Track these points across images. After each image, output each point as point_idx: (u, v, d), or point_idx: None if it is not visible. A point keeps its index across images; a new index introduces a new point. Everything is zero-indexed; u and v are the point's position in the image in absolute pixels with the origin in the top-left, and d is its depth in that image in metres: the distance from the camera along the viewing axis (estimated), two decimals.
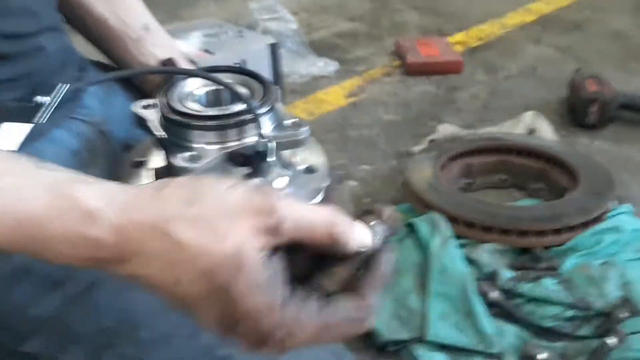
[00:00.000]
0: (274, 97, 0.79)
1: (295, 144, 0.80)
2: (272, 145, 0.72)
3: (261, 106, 0.76)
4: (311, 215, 0.42)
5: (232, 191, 0.41)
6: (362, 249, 0.43)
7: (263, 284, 0.40)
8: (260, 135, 0.71)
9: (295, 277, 0.43)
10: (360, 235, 0.43)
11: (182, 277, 0.40)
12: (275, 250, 0.41)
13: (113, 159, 0.88)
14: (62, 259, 0.43)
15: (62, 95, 0.78)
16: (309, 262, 0.46)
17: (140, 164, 0.89)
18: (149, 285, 0.42)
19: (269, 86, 0.81)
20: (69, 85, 0.72)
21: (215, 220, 0.39)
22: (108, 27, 0.93)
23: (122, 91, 1.00)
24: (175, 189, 0.42)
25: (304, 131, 0.79)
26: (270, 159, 0.72)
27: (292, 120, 0.81)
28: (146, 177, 0.87)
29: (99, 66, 1.02)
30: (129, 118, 0.98)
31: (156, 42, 1.00)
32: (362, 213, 0.46)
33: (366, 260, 0.44)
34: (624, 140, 1.67)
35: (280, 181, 0.71)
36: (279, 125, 0.79)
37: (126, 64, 0.99)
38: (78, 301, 0.59)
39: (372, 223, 0.45)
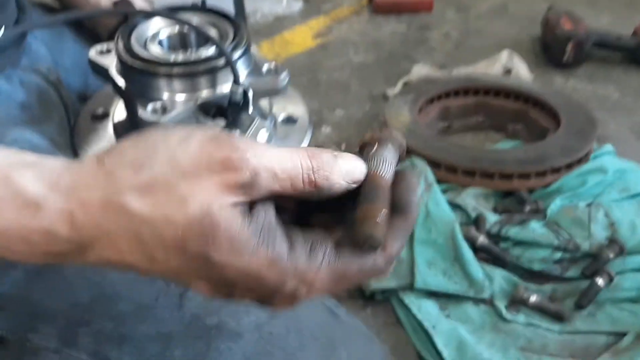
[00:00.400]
0: (247, 40, 0.70)
1: (273, 92, 0.72)
2: (249, 94, 0.64)
3: (234, 50, 0.67)
4: (287, 163, 0.36)
5: (186, 146, 0.35)
6: (354, 185, 0.37)
7: (247, 242, 0.34)
8: (235, 83, 0.63)
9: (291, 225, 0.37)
10: (347, 170, 0.37)
11: (154, 253, 0.35)
12: (253, 203, 0.35)
13: (69, 112, 0.79)
14: (18, 256, 0.37)
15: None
16: (303, 208, 0.40)
17: (100, 117, 0.80)
18: (124, 267, 0.36)
19: (240, 27, 0.72)
20: (4, 28, 0.62)
21: (171, 183, 0.34)
22: None
23: (72, 35, 0.89)
24: (119, 156, 0.36)
25: (283, 78, 0.71)
26: (248, 108, 0.64)
27: (269, 65, 0.73)
28: (108, 130, 0.78)
29: (43, 8, 0.90)
30: (82, 65, 0.88)
31: None
32: (361, 145, 0.40)
33: (390, 199, 0.37)
34: (598, 79, 1.65)
35: (259, 133, 0.64)
36: (254, 71, 0.71)
37: (74, 4, 0.88)
38: (44, 275, 0.51)
39: (371, 152, 0.39)
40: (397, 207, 0.39)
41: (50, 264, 0.50)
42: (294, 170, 0.36)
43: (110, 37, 0.88)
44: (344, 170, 0.37)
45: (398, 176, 0.39)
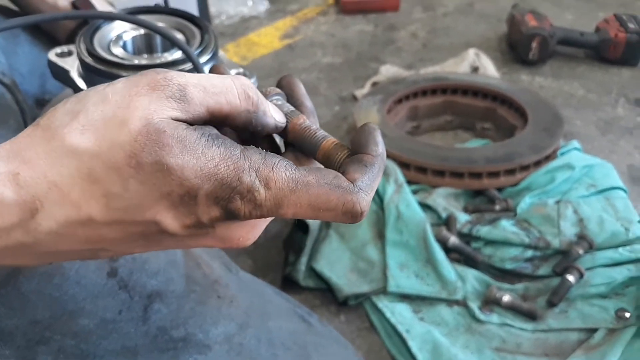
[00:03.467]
0: (215, 43, 0.68)
1: None
2: None
3: (201, 54, 0.65)
4: (215, 80, 0.36)
5: (113, 85, 0.35)
6: (279, 125, 0.39)
7: (198, 141, 0.34)
8: None
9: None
10: (274, 111, 0.39)
11: (110, 187, 0.34)
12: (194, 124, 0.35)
13: (25, 117, 0.76)
14: None
15: None
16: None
17: None
18: (80, 225, 0.34)
19: (207, 30, 0.70)
20: None
21: (107, 115, 0.34)
22: None
23: (28, 38, 0.86)
24: (53, 112, 0.35)
25: (252, 82, 0.70)
26: None
27: (237, 70, 0.71)
28: None
29: None
30: (39, 69, 0.84)
31: None
32: None
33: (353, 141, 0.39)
34: (563, 76, 1.67)
35: None
36: None
37: (31, 4, 0.85)
38: (0, 292, 0.48)
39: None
40: (360, 147, 0.38)
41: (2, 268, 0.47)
42: (224, 84, 0.36)
43: (68, 40, 0.85)
44: (271, 107, 0.39)
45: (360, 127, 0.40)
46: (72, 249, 0.36)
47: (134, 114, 0.33)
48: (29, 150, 0.34)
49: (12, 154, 0.34)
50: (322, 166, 0.39)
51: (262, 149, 0.36)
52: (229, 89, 0.36)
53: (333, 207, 0.35)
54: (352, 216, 0.36)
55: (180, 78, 0.35)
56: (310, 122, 0.41)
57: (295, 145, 0.40)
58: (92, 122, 0.34)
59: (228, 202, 0.34)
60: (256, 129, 0.38)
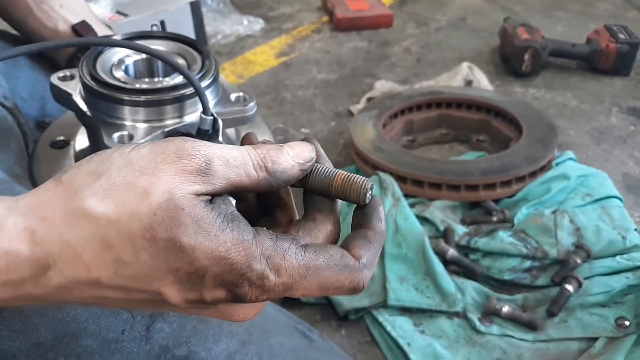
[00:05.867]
0: (215, 68, 0.69)
1: (242, 121, 0.71)
2: (219, 123, 0.63)
3: (202, 79, 0.67)
4: (235, 152, 0.37)
5: (139, 149, 0.36)
6: (308, 163, 0.39)
7: (214, 223, 0.34)
8: (204, 112, 0.62)
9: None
10: (294, 152, 0.39)
11: (122, 255, 0.34)
12: (214, 196, 0.36)
13: (27, 140, 0.76)
14: None
15: None
16: (264, 207, 0.42)
17: (61, 145, 0.78)
18: (88, 286, 0.35)
19: (207, 55, 0.71)
20: None
21: (130, 182, 0.34)
22: None
23: (28, 63, 0.87)
24: (76, 170, 0.36)
25: (251, 107, 0.71)
26: (217, 137, 0.63)
27: (237, 94, 0.72)
28: (69, 158, 0.76)
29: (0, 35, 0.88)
30: (39, 93, 0.86)
31: (64, 3, 0.87)
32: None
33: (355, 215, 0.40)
34: (556, 87, 1.69)
35: None
36: (222, 100, 0.70)
37: (31, 30, 0.86)
38: (3, 316, 0.49)
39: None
40: (364, 222, 0.41)
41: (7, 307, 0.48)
42: (243, 157, 0.37)
43: (68, 64, 0.87)
44: (291, 152, 0.39)
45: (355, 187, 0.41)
46: (77, 302, 0.37)
47: (157, 186, 0.34)
48: (48, 207, 0.35)
49: (31, 210, 0.35)
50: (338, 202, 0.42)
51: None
52: (247, 162, 0.37)
53: (341, 285, 0.37)
54: (356, 291, 0.38)
55: (205, 149, 0.35)
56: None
57: (312, 188, 0.41)
58: (114, 187, 0.34)
59: (235, 286, 0.35)
60: (280, 187, 0.39)
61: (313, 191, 0.41)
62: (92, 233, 0.34)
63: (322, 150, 0.43)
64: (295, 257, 0.36)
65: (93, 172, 0.35)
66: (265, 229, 0.37)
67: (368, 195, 0.40)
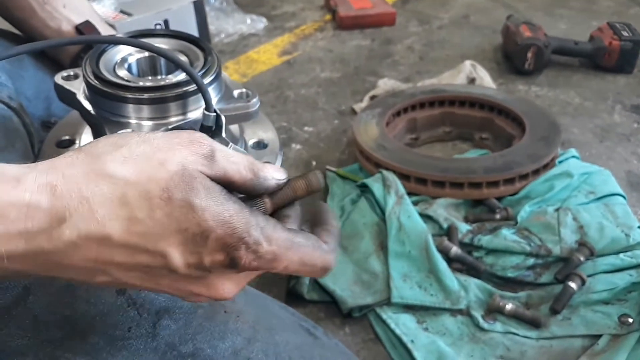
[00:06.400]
0: (218, 65, 0.69)
1: (245, 117, 0.71)
2: (222, 119, 0.63)
3: (205, 75, 0.67)
4: (234, 154, 0.43)
5: (152, 133, 0.41)
6: (281, 181, 0.46)
7: (220, 194, 0.40)
8: (207, 109, 0.63)
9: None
10: (274, 170, 0.46)
11: (135, 211, 0.38)
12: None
13: (32, 140, 0.77)
14: None
15: None
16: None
17: (66, 144, 0.78)
18: (98, 241, 0.38)
19: (210, 52, 0.71)
20: None
21: (149, 154, 0.39)
22: None
23: (33, 63, 0.88)
24: (96, 142, 0.40)
25: (254, 103, 0.71)
26: (220, 134, 0.63)
27: (240, 90, 0.72)
28: None
29: (2, 35, 0.89)
30: (44, 93, 0.86)
31: (67, 3, 0.87)
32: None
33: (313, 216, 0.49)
34: (559, 85, 1.69)
35: None
36: (225, 97, 0.70)
37: (35, 30, 0.87)
38: (12, 314, 0.50)
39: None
40: (322, 221, 0.48)
41: (16, 286, 0.49)
42: (239, 158, 0.43)
43: (72, 64, 0.87)
44: (271, 169, 0.46)
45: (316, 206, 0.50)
46: (79, 265, 0.39)
47: (173, 158, 0.39)
48: (69, 168, 0.38)
49: (51, 168, 0.38)
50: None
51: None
52: (241, 162, 0.43)
53: (315, 263, 0.44)
54: (325, 271, 0.45)
55: (211, 141, 0.42)
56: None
57: (280, 199, 0.48)
58: (134, 156, 0.39)
59: (234, 249, 0.40)
60: (260, 192, 0.45)
61: (282, 202, 0.48)
62: (110, 191, 0.37)
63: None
64: (282, 232, 0.42)
65: (114, 143, 0.40)
66: (256, 209, 0.44)
67: (320, 178, 0.47)
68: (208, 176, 0.40)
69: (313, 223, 0.48)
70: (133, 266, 0.39)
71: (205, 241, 0.39)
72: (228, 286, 0.43)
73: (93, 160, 0.38)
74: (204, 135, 0.42)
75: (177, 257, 0.39)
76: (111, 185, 0.38)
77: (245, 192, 0.45)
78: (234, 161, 0.42)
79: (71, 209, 0.37)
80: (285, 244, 0.42)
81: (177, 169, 0.39)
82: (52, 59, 0.91)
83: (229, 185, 0.43)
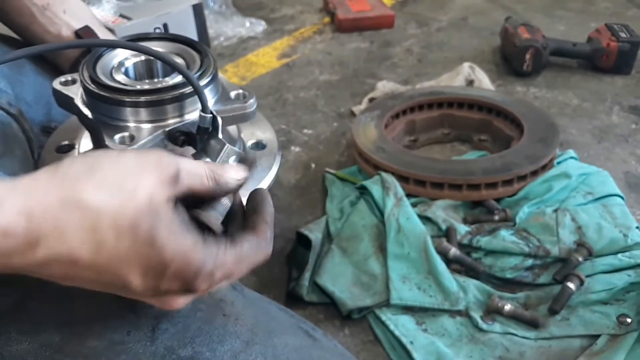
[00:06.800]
0: (214, 66, 0.70)
1: (242, 118, 0.72)
2: (218, 120, 0.63)
3: (201, 77, 0.67)
4: (196, 166, 0.48)
5: (124, 155, 0.44)
6: (241, 182, 0.51)
7: (179, 228, 0.43)
8: (203, 111, 0.63)
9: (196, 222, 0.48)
10: (235, 172, 0.51)
11: (104, 239, 0.41)
12: (176, 200, 0.45)
13: (32, 145, 0.77)
14: None
15: None
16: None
17: (65, 149, 0.78)
18: (67, 263, 0.41)
19: (206, 54, 0.72)
20: None
21: (120, 180, 0.41)
22: None
23: (33, 68, 0.88)
24: (70, 163, 0.42)
25: (251, 104, 0.71)
26: (217, 135, 0.64)
27: (237, 91, 0.73)
28: None
29: (1, 40, 0.89)
30: (44, 98, 0.86)
31: (68, 9, 0.88)
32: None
33: (250, 203, 0.53)
34: (557, 86, 1.70)
35: (230, 160, 0.63)
36: (222, 98, 0.71)
37: (35, 36, 0.87)
38: (11, 318, 0.50)
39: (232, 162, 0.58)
40: (259, 208, 0.52)
41: (15, 292, 0.49)
42: (200, 170, 0.48)
43: (72, 69, 0.87)
44: (232, 171, 0.51)
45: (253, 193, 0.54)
46: (48, 275, 0.43)
47: (142, 189, 0.42)
48: (46, 192, 0.40)
49: (30, 192, 0.40)
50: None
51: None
52: (204, 177, 0.48)
53: (259, 262, 0.50)
54: (266, 260, 0.50)
55: (176, 160, 0.45)
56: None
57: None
58: (106, 182, 0.41)
59: (190, 280, 0.44)
60: (224, 195, 0.51)
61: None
62: (83, 221, 0.40)
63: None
64: (231, 253, 0.46)
65: (88, 166, 0.42)
66: (211, 237, 0.46)
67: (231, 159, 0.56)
68: (175, 195, 0.44)
69: (249, 210, 0.52)
70: (97, 281, 0.44)
71: (164, 272, 0.43)
72: (180, 301, 0.47)
73: (68, 184, 0.41)
74: (170, 155, 0.45)
75: (137, 282, 0.43)
76: (85, 215, 0.40)
77: (211, 198, 0.50)
78: (196, 174, 0.47)
79: (45, 234, 0.40)
80: (234, 264, 0.47)
81: (145, 201, 0.41)
82: (51, 64, 0.91)
83: (194, 196, 0.47)
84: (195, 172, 0.47)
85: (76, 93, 0.71)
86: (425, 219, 1.14)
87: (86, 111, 0.69)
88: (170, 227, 0.42)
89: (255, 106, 0.71)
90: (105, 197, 0.41)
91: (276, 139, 0.81)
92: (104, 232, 0.41)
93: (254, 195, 0.54)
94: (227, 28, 2.03)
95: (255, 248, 0.49)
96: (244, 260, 0.48)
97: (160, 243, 0.42)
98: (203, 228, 0.49)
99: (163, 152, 0.45)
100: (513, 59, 1.73)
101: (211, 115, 0.63)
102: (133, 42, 0.72)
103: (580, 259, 1.03)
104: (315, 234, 1.08)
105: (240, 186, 0.52)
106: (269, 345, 0.64)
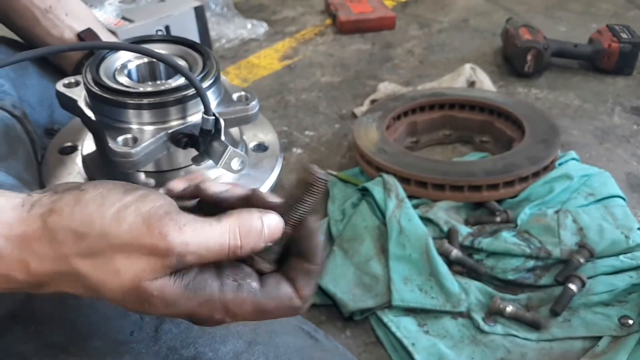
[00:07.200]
0: (216, 69, 0.70)
1: (244, 120, 0.72)
2: (221, 122, 0.64)
3: (203, 79, 0.68)
4: (215, 246, 0.40)
5: (118, 225, 0.39)
6: (276, 236, 0.43)
7: (181, 295, 0.40)
8: (206, 113, 0.63)
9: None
10: (271, 231, 0.43)
11: (105, 294, 0.41)
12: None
13: (35, 147, 0.78)
14: None
15: None
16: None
17: (69, 150, 0.79)
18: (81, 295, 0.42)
19: (209, 56, 0.72)
20: None
21: (107, 254, 0.39)
22: None
23: (36, 70, 0.89)
24: (60, 219, 0.40)
25: (253, 106, 0.72)
26: (219, 137, 0.64)
27: (239, 93, 0.73)
28: (77, 164, 0.77)
29: (5, 43, 0.90)
30: (47, 100, 0.87)
31: (70, 11, 0.88)
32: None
33: (300, 245, 0.44)
34: (559, 87, 1.70)
35: (232, 162, 0.64)
36: (224, 100, 0.71)
37: (37, 38, 0.87)
38: (16, 319, 0.50)
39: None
40: (304, 254, 0.45)
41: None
42: (220, 250, 0.41)
43: (75, 71, 0.88)
44: (267, 234, 0.43)
45: (302, 226, 0.44)
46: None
47: (128, 271, 0.39)
48: (38, 248, 0.40)
49: (25, 244, 0.40)
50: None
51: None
52: (223, 253, 0.41)
53: (284, 316, 0.44)
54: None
55: (181, 248, 0.39)
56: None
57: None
58: (93, 252, 0.39)
59: (197, 322, 0.43)
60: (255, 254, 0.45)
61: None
62: (78, 281, 0.41)
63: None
64: (252, 305, 0.42)
65: (75, 233, 0.39)
66: (230, 279, 0.42)
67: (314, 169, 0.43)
68: (174, 271, 0.40)
69: (297, 251, 0.45)
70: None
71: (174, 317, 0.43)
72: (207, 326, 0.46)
73: (59, 251, 0.40)
74: (173, 242, 0.39)
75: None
76: (76, 277, 0.40)
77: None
78: (212, 255, 0.40)
79: (48, 282, 0.41)
80: (251, 315, 0.42)
81: (131, 286, 0.39)
82: (55, 66, 0.92)
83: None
84: (211, 251, 0.40)
85: (79, 95, 0.71)
86: (426, 221, 1.15)
87: (89, 113, 0.69)
88: (167, 302, 0.40)
89: (257, 108, 0.72)
90: (91, 269, 0.40)
91: (278, 141, 0.81)
92: (100, 291, 0.40)
93: (308, 237, 0.45)
94: (229, 30, 2.04)
95: (285, 307, 0.44)
96: (263, 314, 0.43)
97: (156, 314, 0.41)
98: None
99: (165, 230, 0.39)
100: (514, 60, 1.73)
101: (214, 117, 0.63)
102: (136, 44, 0.73)
103: (581, 260, 1.03)
104: None
105: (275, 242, 0.44)
106: (270, 345, 0.64)
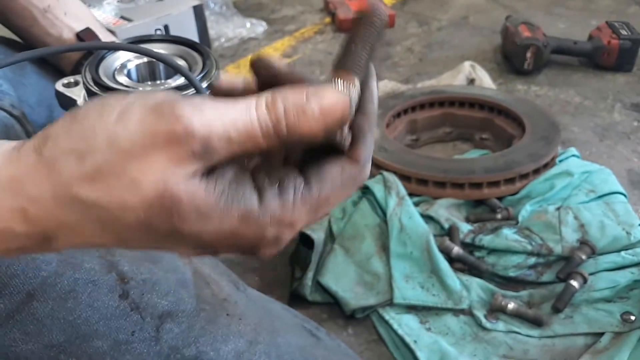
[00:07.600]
0: (216, 68, 0.70)
1: None
2: None
3: (203, 79, 0.67)
4: (240, 123, 0.32)
5: (125, 123, 0.32)
6: (336, 126, 0.34)
7: (217, 203, 0.32)
8: None
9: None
10: (325, 111, 0.33)
11: (122, 235, 0.33)
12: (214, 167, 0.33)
13: None
14: None
15: None
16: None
17: None
18: (97, 247, 0.36)
19: (208, 55, 0.72)
20: None
21: (118, 168, 0.31)
22: None
23: (35, 70, 0.88)
24: (55, 144, 0.33)
25: None
26: None
27: None
28: None
29: (4, 42, 0.89)
30: (47, 100, 0.87)
31: (69, 11, 0.88)
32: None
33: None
34: (559, 84, 1.70)
35: None
36: None
37: (36, 38, 0.87)
38: (16, 319, 0.50)
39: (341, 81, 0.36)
40: (359, 108, 0.37)
41: (20, 291, 0.49)
42: (251, 126, 0.32)
43: (74, 71, 0.88)
44: (317, 111, 0.33)
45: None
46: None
47: (148, 177, 0.31)
48: (34, 187, 0.33)
49: (16, 186, 0.33)
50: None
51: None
52: (255, 132, 0.33)
53: (348, 196, 0.36)
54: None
55: (203, 128, 0.31)
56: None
57: None
58: (100, 172, 0.32)
59: (250, 251, 0.35)
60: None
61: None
62: (87, 216, 0.33)
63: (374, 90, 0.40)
64: (304, 204, 0.34)
65: (75, 151, 0.32)
66: (267, 180, 0.34)
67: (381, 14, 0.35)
68: (204, 168, 0.32)
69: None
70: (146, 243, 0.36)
71: (215, 247, 0.34)
72: (266, 252, 0.37)
73: (57, 180, 0.32)
74: (190, 119, 0.31)
75: (189, 255, 0.36)
76: (85, 211, 0.32)
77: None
78: (242, 139, 0.32)
79: (54, 232, 0.34)
80: (311, 215, 0.35)
81: (155, 193, 0.31)
82: (53, 66, 0.91)
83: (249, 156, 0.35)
84: (240, 134, 0.32)
85: (79, 95, 0.71)
86: (427, 218, 1.14)
87: None
88: (201, 212, 0.32)
89: None
90: (103, 193, 0.32)
91: None
92: (116, 228, 0.33)
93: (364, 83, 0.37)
94: (228, 29, 2.03)
95: (342, 185, 0.36)
96: (325, 204, 0.35)
97: (191, 233, 0.32)
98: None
99: (179, 111, 0.31)
100: (514, 57, 1.73)
101: None
102: (135, 44, 0.73)
103: (583, 257, 1.03)
104: (317, 233, 1.08)
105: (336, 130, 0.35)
106: (272, 344, 0.64)
